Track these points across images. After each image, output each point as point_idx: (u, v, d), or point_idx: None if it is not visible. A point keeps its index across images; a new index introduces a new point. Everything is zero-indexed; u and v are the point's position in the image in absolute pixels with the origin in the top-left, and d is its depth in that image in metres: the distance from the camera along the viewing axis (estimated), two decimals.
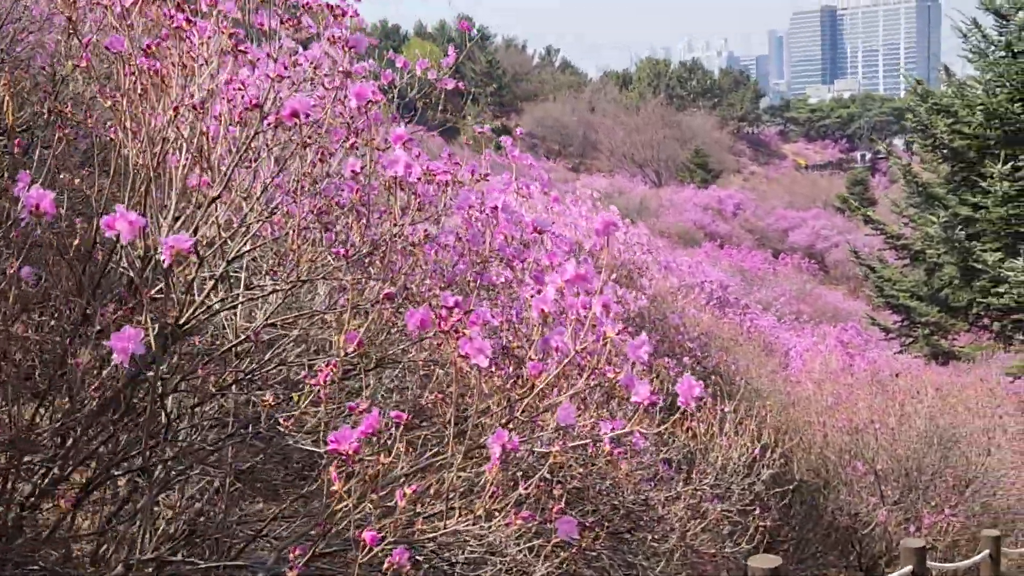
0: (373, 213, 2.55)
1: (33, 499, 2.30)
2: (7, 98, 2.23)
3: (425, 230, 2.51)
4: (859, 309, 21.72)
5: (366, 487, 1.77)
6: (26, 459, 2.50)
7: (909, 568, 4.94)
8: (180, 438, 2.59)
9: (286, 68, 2.39)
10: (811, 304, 23.38)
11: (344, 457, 1.63)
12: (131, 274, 2.21)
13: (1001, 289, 12.78)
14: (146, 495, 2.19)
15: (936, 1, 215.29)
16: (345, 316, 2.20)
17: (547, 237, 3.11)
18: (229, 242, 2.36)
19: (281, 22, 2.23)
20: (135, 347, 1.57)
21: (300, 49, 2.61)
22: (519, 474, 2.56)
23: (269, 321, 2.40)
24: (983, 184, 13.41)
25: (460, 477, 2.21)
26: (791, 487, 5.62)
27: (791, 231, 37.11)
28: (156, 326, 2.01)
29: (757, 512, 4.07)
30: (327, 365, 1.92)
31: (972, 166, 14.11)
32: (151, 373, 2.14)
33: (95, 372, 2.00)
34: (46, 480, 2.30)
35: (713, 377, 6.30)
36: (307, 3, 2.35)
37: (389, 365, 2.73)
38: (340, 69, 2.49)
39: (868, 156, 65.89)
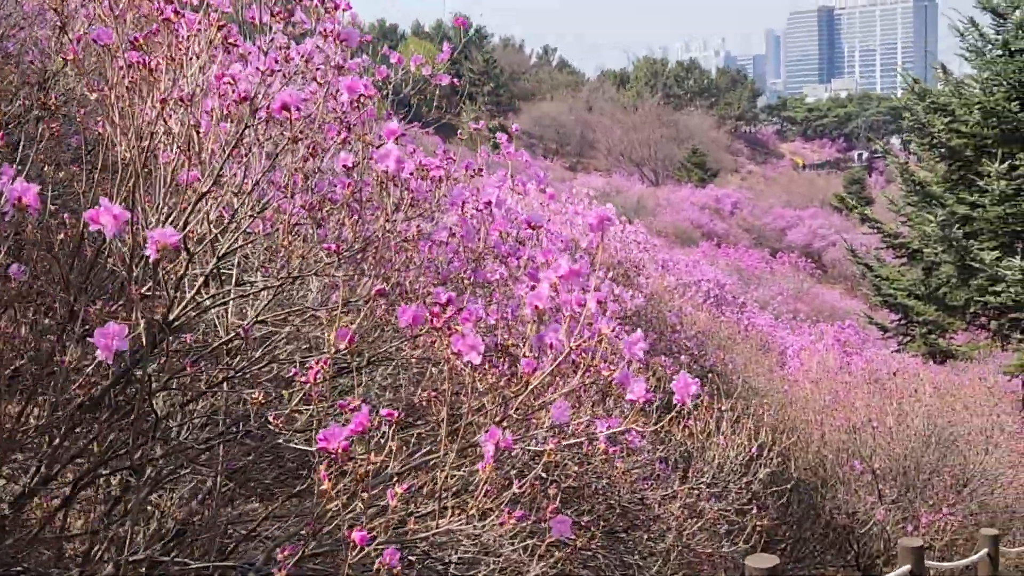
0: (366, 209, 2.52)
1: (20, 499, 2.27)
2: None
3: (418, 226, 2.48)
4: (856, 308, 21.72)
5: (357, 486, 1.75)
6: (14, 458, 2.47)
7: (907, 567, 4.92)
8: (171, 437, 2.56)
9: (277, 62, 2.36)
10: (808, 303, 23.38)
11: (333, 456, 1.60)
12: (120, 270, 2.18)
13: (998, 288, 12.78)
14: (134, 495, 2.16)
15: (933, 0, 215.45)
16: (337, 313, 2.17)
17: (543, 234, 3.08)
18: (220, 238, 2.33)
19: (272, 15, 2.20)
20: (119, 344, 1.53)
21: (293, 44, 2.58)
22: (513, 473, 2.53)
23: (259, 318, 2.37)
24: (980, 183, 13.41)
25: (454, 476, 2.18)
26: (788, 486, 5.59)
27: (788, 230, 37.12)
28: (144, 323, 1.97)
29: (754, 511, 4.05)
30: (317, 362, 1.89)
31: (969, 165, 14.12)
32: (140, 371, 2.11)
33: (78, 370, 1.97)
34: (34, 479, 2.27)
35: (710, 376, 6.28)
36: None
37: (382, 363, 2.70)
38: (332, 64, 2.46)
39: (865, 155, 65.95)
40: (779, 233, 37.03)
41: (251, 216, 2.34)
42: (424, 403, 2.42)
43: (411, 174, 2.35)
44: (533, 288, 2.24)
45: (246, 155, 2.30)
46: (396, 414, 1.84)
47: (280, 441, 2.26)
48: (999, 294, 12.79)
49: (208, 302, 2.39)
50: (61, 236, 1.87)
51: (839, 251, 29.20)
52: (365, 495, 1.74)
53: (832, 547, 6.93)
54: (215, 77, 2.28)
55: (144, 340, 2.03)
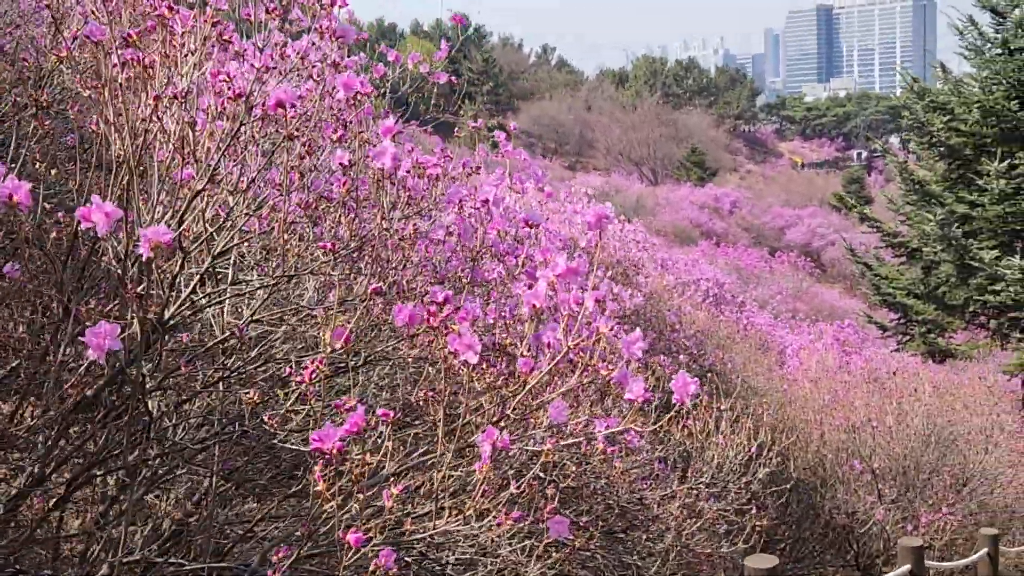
0: (363, 208, 2.50)
1: (15, 500, 2.25)
2: None
3: (415, 225, 2.47)
4: (856, 307, 21.70)
5: (352, 487, 1.73)
6: (9, 458, 2.45)
7: (907, 567, 4.90)
8: (167, 437, 2.54)
9: (273, 59, 2.34)
10: (808, 302, 23.37)
11: (328, 457, 1.58)
12: (115, 269, 2.16)
13: (998, 287, 12.77)
14: (128, 496, 2.14)
15: None
16: (333, 312, 2.15)
17: (541, 233, 3.06)
18: (215, 236, 2.31)
19: (267, 11, 2.18)
20: (111, 344, 1.51)
21: (290, 41, 2.56)
22: (511, 473, 2.51)
23: (255, 317, 2.35)
24: (979, 182, 13.40)
25: (451, 476, 2.16)
26: (788, 486, 5.58)
27: (787, 229, 37.11)
28: (138, 322, 1.95)
29: (753, 511, 4.03)
30: (312, 362, 1.87)
31: (968, 164, 14.10)
32: (138, 371, 2.09)
33: (71, 370, 1.95)
34: (28, 480, 2.25)
35: (709, 375, 6.26)
36: None
37: (379, 362, 2.68)
38: (328, 61, 2.44)
39: (864, 154, 65.98)
40: (778, 232, 37.02)
41: (247, 214, 2.32)
42: (421, 403, 2.40)
43: (407, 172, 2.33)
44: (531, 287, 2.23)
45: (242, 153, 2.28)
46: (392, 414, 1.82)
47: (276, 441, 2.24)
48: (998, 293, 12.77)
49: (203, 301, 2.38)
50: (53, 234, 1.85)
51: (838, 250, 29.19)
52: (361, 496, 1.72)
53: (832, 547, 6.92)
54: (211, 74, 2.26)
55: (139, 339, 2.01)
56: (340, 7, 2.43)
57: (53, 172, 1.98)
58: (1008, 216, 13.15)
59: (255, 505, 3.18)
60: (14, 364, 2.33)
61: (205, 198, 2.22)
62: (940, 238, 13.46)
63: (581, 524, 3.00)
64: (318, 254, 2.37)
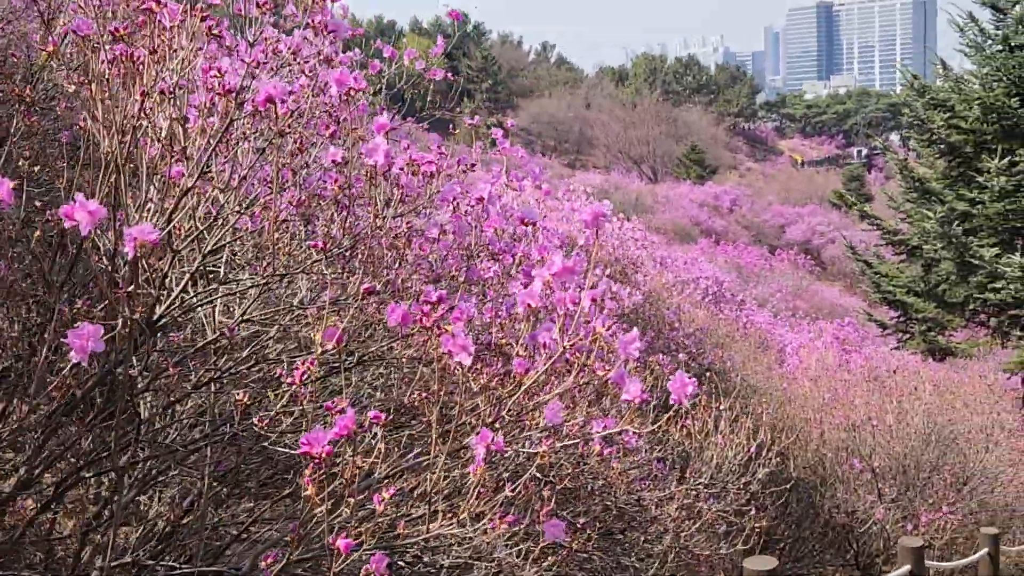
0: (357, 206, 2.47)
1: (2, 502, 2.22)
2: None
3: (408, 223, 2.43)
4: (856, 305, 21.66)
5: (343, 490, 1.69)
6: (4, 458, 2.41)
7: (907, 568, 4.87)
8: (158, 438, 2.51)
9: (265, 54, 2.30)
10: (807, 300, 23.33)
11: (317, 460, 1.55)
12: (104, 268, 2.12)
13: (998, 285, 12.72)
14: (117, 498, 2.11)
15: None
16: (325, 312, 2.12)
17: (538, 231, 3.02)
18: (206, 234, 2.27)
19: (257, 6, 2.14)
20: (94, 345, 1.48)
21: (282, 37, 2.52)
22: (506, 475, 2.47)
23: (246, 317, 2.31)
24: (980, 179, 13.34)
25: (446, 478, 2.12)
26: (788, 486, 5.55)
27: (787, 227, 37.07)
28: (125, 322, 1.92)
29: (753, 512, 4.00)
30: (302, 363, 1.84)
31: (969, 161, 14.05)
32: (126, 372, 2.05)
33: (57, 371, 1.91)
34: (16, 482, 2.21)
35: (708, 374, 6.23)
36: None
37: (372, 363, 2.64)
38: (321, 57, 2.41)
39: (864, 152, 65.91)
40: (778, 230, 36.98)
41: (238, 212, 2.29)
42: (415, 404, 2.36)
43: (401, 169, 2.29)
44: (527, 286, 2.19)
45: (233, 150, 2.25)
46: (384, 416, 1.78)
47: (266, 444, 2.20)
48: (999, 291, 12.73)
49: (194, 300, 2.34)
50: (37, 233, 1.81)
51: (838, 248, 29.15)
52: (352, 500, 1.68)
53: (831, 546, 6.89)
54: (202, 70, 2.22)
55: (125, 340, 1.97)
56: (334, 2, 2.40)
57: (36, 169, 1.94)
58: (1008, 213, 13.10)
59: (250, 505, 3.15)
60: (6, 364, 2.30)
61: (195, 196, 2.18)
62: (940, 236, 13.41)
63: (578, 525, 2.96)
64: (311, 252, 2.33)
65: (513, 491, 2.10)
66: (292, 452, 2.13)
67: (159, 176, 2.16)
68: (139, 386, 2.20)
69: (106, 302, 2.15)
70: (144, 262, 2.02)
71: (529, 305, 2.01)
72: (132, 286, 1.83)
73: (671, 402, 2.04)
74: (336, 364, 2.45)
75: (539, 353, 2.11)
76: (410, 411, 2.60)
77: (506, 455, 2.35)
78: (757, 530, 3.99)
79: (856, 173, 50.81)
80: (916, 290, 14.78)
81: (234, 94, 2.07)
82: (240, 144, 2.26)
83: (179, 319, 2.45)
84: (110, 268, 1.99)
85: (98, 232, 2.15)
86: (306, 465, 1.67)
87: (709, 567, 3.96)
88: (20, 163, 1.99)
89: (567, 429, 2.40)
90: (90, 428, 2.02)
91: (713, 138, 55.29)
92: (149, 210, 2.18)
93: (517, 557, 2.42)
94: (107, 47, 2.03)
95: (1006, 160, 12.96)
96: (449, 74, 3.42)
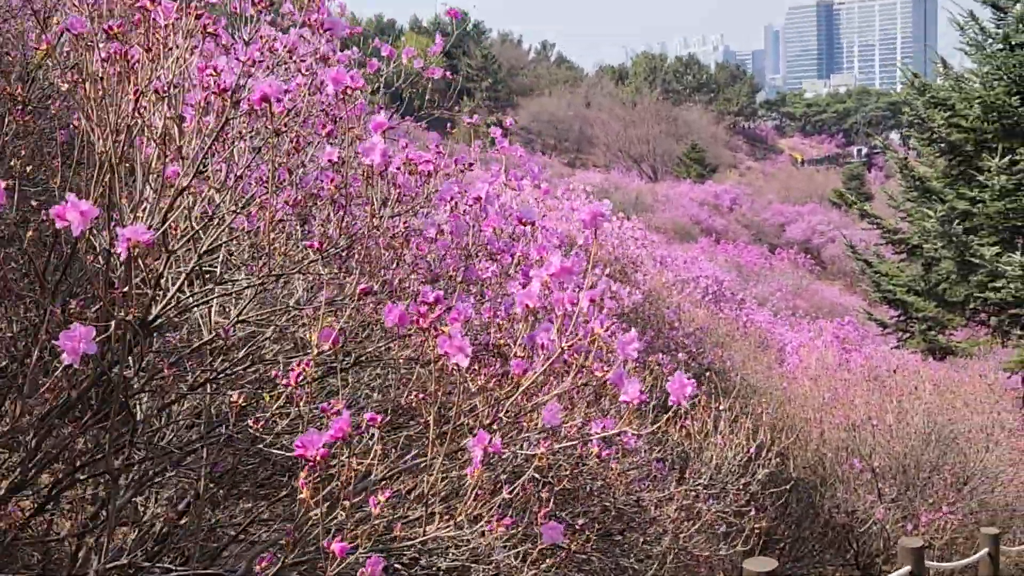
0: (354, 206, 2.45)
1: None
2: None
3: (406, 222, 2.41)
4: (856, 304, 21.65)
5: (339, 493, 1.68)
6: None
7: (907, 568, 4.85)
8: (154, 440, 2.49)
9: (261, 53, 2.28)
10: (807, 299, 23.32)
11: (312, 464, 1.53)
12: (99, 268, 2.11)
13: (998, 284, 12.71)
14: (111, 501, 2.09)
15: None
16: (321, 312, 2.10)
17: (537, 230, 3.01)
18: (201, 234, 2.25)
19: (253, 4, 2.13)
20: (86, 347, 1.46)
21: (278, 35, 2.51)
22: (504, 476, 2.46)
23: (242, 318, 2.29)
24: (980, 178, 13.33)
25: (443, 479, 2.11)
26: (788, 486, 5.53)
27: (787, 226, 37.05)
28: (119, 323, 1.90)
29: (753, 513, 3.98)
30: (298, 364, 1.82)
31: (969, 160, 14.03)
32: (124, 373, 2.04)
33: (51, 371, 1.90)
34: (10, 484, 2.20)
35: (708, 374, 6.22)
36: None
37: (369, 364, 2.62)
38: (318, 55, 2.39)
39: (864, 151, 65.87)
40: (778, 229, 36.96)
41: (234, 212, 2.27)
42: (412, 404, 2.35)
43: (398, 169, 2.27)
44: (525, 286, 2.17)
45: (229, 149, 2.23)
46: (380, 419, 1.77)
47: (261, 447, 2.18)
48: (999, 290, 12.72)
49: (190, 300, 2.32)
50: (30, 233, 1.80)
51: (838, 247, 29.13)
52: (347, 503, 1.67)
53: (831, 546, 6.87)
54: (198, 68, 2.20)
55: (120, 341, 1.95)
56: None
57: (30, 169, 1.92)
58: (1009, 212, 13.08)
59: (248, 506, 3.13)
60: (2, 364, 2.28)
61: (190, 195, 2.16)
62: (940, 235, 13.39)
63: (577, 527, 2.95)
64: (308, 253, 2.31)
65: (511, 493, 2.08)
66: (288, 454, 2.11)
67: (155, 175, 2.14)
68: (134, 387, 2.19)
69: (101, 302, 2.13)
70: (141, 261, 2.00)
71: (527, 306, 1.99)
72: (127, 286, 1.81)
73: (670, 403, 2.02)
74: (333, 365, 2.43)
75: (537, 354, 2.09)
76: (407, 412, 2.58)
77: (504, 457, 2.33)
78: (757, 531, 3.98)
79: (856, 172, 50.77)
80: (916, 289, 14.76)
81: (229, 93, 2.05)
82: (236, 143, 2.24)
83: (175, 319, 2.44)
84: (106, 268, 1.97)
85: (94, 232, 2.14)
86: (301, 468, 1.65)
87: (708, 568, 3.94)
88: (13, 163, 1.97)
89: (565, 430, 2.39)
90: (84, 430, 2.00)
91: (713, 137, 55.26)
92: (145, 210, 2.16)
93: (516, 559, 2.41)
94: (101, 45, 2.01)
95: (1006, 159, 12.93)
96: (448, 73, 3.40)
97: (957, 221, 13.52)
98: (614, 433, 2.35)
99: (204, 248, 2.25)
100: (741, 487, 4.03)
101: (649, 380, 3.94)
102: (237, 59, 2.08)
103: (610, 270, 7.40)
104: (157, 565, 2.45)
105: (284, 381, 1.85)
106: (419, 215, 2.73)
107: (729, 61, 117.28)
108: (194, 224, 2.21)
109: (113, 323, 1.78)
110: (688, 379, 2.02)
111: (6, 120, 1.97)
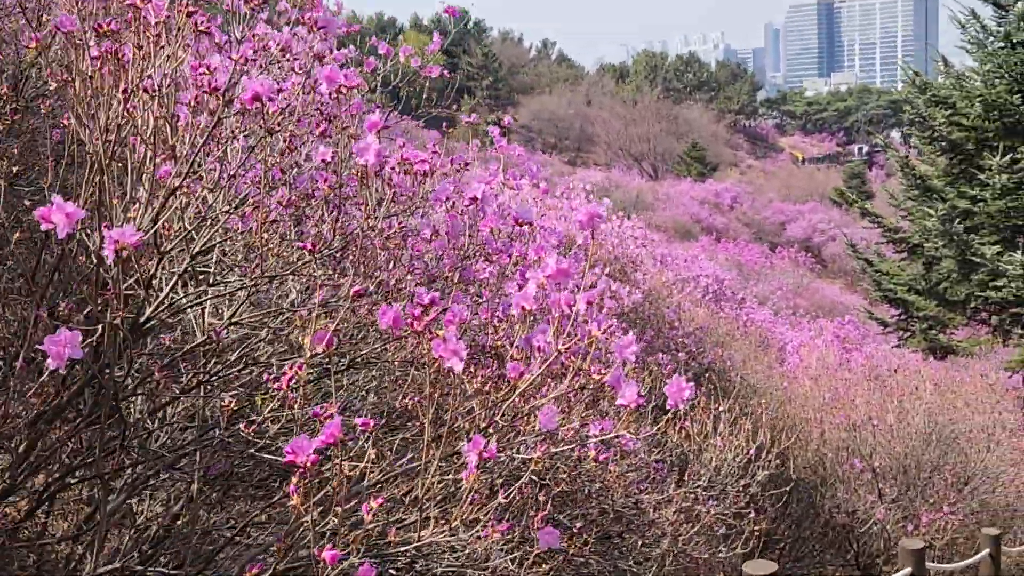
0: (350, 206, 2.42)
1: None
2: None
3: (401, 223, 2.38)
4: (856, 303, 21.61)
5: (331, 499, 1.65)
6: None
7: (908, 570, 4.83)
8: (147, 442, 2.46)
9: (255, 51, 2.25)
10: (808, 298, 23.28)
11: (303, 470, 1.50)
12: (90, 269, 2.08)
13: (999, 283, 12.67)
14: (102, 504, 2.06)
15: None
16: (314, 315, 2.07)
17: (536, 230, 2.98)
18: (194, 235, 2.23)
19: (246, 1, 2.10)
20: (72, 351, 1.43)
21: (273, 33, 2.48)
22: (499, 480, 2.43)
23: (234, 320, 2.26)
24: (981, 176, 13.29)
25: (439, 483, 2.08)
26: (788, 487, 5.51)
27: (788, 224, 37.01)
28: (109, 325, 1.87)
29: (752, 515, 3.95)
30: (290, 367, 1.79)
31: (970, 158, 13.99)
32: (112, 375, 2.01)
33: (40, 374, 1.87)
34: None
35: (708, 374, 6.19)
36: None
37: (364, 366, 2.60)
38: (312, 53, 2.36)
39: (865, 149, 65.80)
40: (778, 227, 36.92)
41: (227, 212, 2.24)
42: (407, 407, 2.32)
43: (393, 168, 2.24)
44: (522, 287, 2.14)
45: (222, 148, 2.20)
46: (373, 423, 1.74)
47: (253, 451, 2.16)
48: (1000, 289, 12.68)
49: (183, 302, 2.30)
50: (17, 234, 1.77)
51: (839, 246, 29.09)
52: (339, 509, 1.64)
53: (832, 546, 6.85)
54: (191, 67, 2.17)
55: (111, 344, 1.93)
56: None
57: (18, 169, 1.90)
58: (1010, 211, 13.04)
59: (247, 507, 3.11)
60: None
61: (183, 195, 2.13)
62: (941, 233, 13.35)
63: (575, 530, 2.92)
64: (302, 254, 2.29)
65: (507, 497, 2.05)
66: (280, 459, 2.09)
67: (147, 175, 2.11)
68: (127, 389, 2.16)
69: (90, 305, 2.10)
70: (134, 262, 1.98)
71: (523, 308, 1.97)
72: (119, 288, 1.78)
73: (668, 405, 1.99)
74: (328, 367, 2.40)
75: (534, 356, 2.06)
76: (403, 414, 2.55)
77: (500, 460, 2.30)
78: (756, 532, 3.95)
79: (857, 170, 50.72)
80: (917, 288, 14.73)
81: (221, 92, 2.02)
82: (229, 143, 2.22)
83: (168, 321, 2.41)
84: (97, 269, 1.94)
85: (86, 232, 2.11)
86: (292, 474, 1.62)
87: (708, 570, 3.92)
88: (2, 163, 1.94)
89: (563, 433, 2.36)
90: (76, 432, 1.97)
91: (714, 135, 55.22)
92: (137, 210, 2.14)
93: (512, 563, 2.38)
94: (91, 44, 1.99)
95: (1008, 157, 12.89)
96: (447, 71, 3.38)
97: (958, 220, 13.48)
98: (612, 436, 2.33)
99: (197, 249, 2.23)
100: (741, 489, 4.00)
101: (648, 381, 3.91)
102: (230, 57, 2.05)
103: (610, 269, 7.37)
104: (151, 568, 2.42)
105: (276, 385, 1.83)
106: (416, 215, 2.70)
107: (730, 59, 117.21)
108: (187, 224, 2.18)
109: (106, 324, 1.76)
110: (687, 381, 1.99)
111: None
